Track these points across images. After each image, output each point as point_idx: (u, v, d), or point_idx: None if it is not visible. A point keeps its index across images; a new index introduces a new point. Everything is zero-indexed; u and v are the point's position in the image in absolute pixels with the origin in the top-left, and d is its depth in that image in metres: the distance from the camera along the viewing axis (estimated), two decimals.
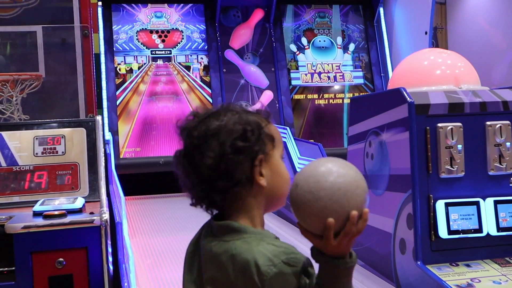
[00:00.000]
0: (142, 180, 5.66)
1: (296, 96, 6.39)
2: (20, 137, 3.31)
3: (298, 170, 4.80)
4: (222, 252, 1.31)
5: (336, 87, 6.51)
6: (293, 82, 6.41)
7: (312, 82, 6.46)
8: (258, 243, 1.30)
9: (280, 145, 1.42)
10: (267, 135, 1.39)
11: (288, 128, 5.57)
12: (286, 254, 1.28)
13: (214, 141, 1.34)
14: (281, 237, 1.41)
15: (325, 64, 6.55)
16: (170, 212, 4.71)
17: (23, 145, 3.28)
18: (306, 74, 6.48)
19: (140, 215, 4.70)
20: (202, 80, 6.21)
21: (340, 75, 6.55)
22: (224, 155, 1.32)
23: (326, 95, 6.45)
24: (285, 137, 5.37)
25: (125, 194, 4.30)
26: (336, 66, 6.57)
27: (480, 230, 2.60)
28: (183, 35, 6.32)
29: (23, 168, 3.21)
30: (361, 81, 6.58)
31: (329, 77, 6.51)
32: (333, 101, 6.46)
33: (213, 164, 1.32)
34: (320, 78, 6.49)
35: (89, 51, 5.00)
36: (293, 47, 6.55)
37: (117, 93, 5.92)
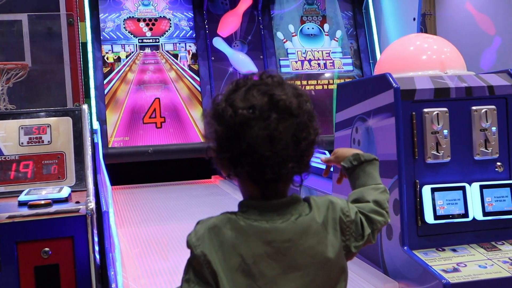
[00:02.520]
0: (130, 169, 5.65)
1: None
2: (5, 126, 3.27)
3: None
4: (307, 218, 1.37)
5: (326, 74, 6.50)
6: (283, 70, 6.39)
7: (302, 69, 6.44)
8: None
9: None
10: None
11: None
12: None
13: (313, 119, 1.40)
14: None
15: (315, 52, 6.53)
16: (159, 202, 4.70)
17: (8, 134, 3.25)
18: (296, 62, 6.46)
19: (129, 204, 4.69)
20: (191, 69, 6.18)
21: (330, 62, 6.53)
22: (317, 133, 1.40)
23: (315, 82, 6.44)
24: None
25: (114, 183, 4.31)
26: (326, 53, 6.55)
27: (466, 215, 2.61)
28: (170, 23, 6.29)
29: (8, 158, 3.19)
30: (350, 68, 6.57)
31: (319, 64, 6.50)
32: (322, 87, 6.45)
33: (314, 141, 1.39)
34: (310, 65, 6.47)
35: (74, 40, 4.95)
36: (280, 35, 6.52)
37: (105, 82, 5.89)
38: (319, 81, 6.46)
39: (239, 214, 1.37)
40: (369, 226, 1.50)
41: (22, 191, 2.92)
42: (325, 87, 6.46)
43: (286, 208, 1.37)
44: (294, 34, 6.55)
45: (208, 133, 1.38)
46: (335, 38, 6.62)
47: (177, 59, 6.18)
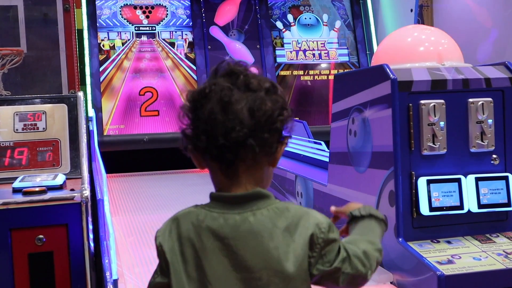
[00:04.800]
0: (126, 157, 5.63)
1: (282, 73, 6.35)
2: (0, 113, 3.26)
3: None
4: (267, 218, 1.32)
5: (322, 64, 6.48)
6: (278, 60, 6.38)
7: (297, 59, 6.42)
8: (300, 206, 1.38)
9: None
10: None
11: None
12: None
13: (280, 98, 1.38)
14: None
15: (310, 42, 6.51)
16: (154, 190, 4.69)
17: (3, 121, 3.24)
18: (291, 52, 6.44)
19: (124, 192, 4.69)
20: (187, 57, 6.15)
21: (325, 53, 6.51)
22: (283, 115, 1.36)
23: (311, 72, 6.43)
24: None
25: (109, 171, 4.29)
26: (321, 43, 6.53)
27: (461, 207, 2.61)
28: (167, 11, 6.25)
29: (3, 144, 3.17)
30: (346, 58, 6.56)
31: (314, 55, 6.48)
32: (318, 77, 6.44)
33: (274, 118, 1.34)
34: (305, 55, 6.45)
35: (70, 26, 4.92)
36: (279, 24, 6.50)
37: (101, 69, 5.86)
38: (313, 71, 6.44)
39: (202, 206, 1.37)
40: (343, 263, 1.35)
41: (17, 177, 2.91)
42: (320, 77, 6.45)
43: (246, 203, 1.34)
44: (292, 24, 6.53)
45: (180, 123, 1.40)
46: (335, 29, 6.60)
47: (173, 48, 6.15)
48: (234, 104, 1.31)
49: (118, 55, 5.99)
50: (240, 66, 1.40)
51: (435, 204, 2.58)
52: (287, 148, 4.99)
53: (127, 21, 6.13)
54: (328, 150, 3.40)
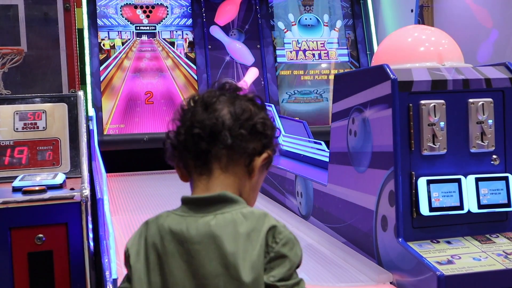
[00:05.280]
0: (126, 157, 5.63)
1: (282, 73, 6.35)
2: (0, 112, 3.26)
3: (281, 147, 4.80)
4: (229, 222, 1.29)
5: (321, 64, 6.48)
6: (278, 60, 6.37)
7: (297, 59, 6.42)
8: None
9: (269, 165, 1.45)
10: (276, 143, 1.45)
11: (273, 105, 5.55)
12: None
13: (265, 110, 1.43)
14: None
15: (310, 42, 6.51)
16: (153, 189, 4.69)
17: (3, 120, 3.24)
18: (291, 52, 6.44)
19: (124, 192, 4.68)
20: (187, 57, 6.15)
21: (324, 53, 6.51)
22: (265, 116, 1.40)
23: (311, 72, 6.42)
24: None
25: (109, 170, 4.29)
26: (321, 43, 6.53)
27: (461, 207, 2.60)
28: (168, 11, 6.25)
29: (3, 143, 3.17)
30: (346, 58, 6.56)
31: (314, 55, 6.48)
32: (319, 77, 6.44)
33: (254, 122, 1.37)
34: (305, 55, 6.45)
35: (70, 25, 4.92)
36: (281, 25, 6.50)
37: (101, 68, 5.87)
38: (313, 71, 6.44)
39: (172, 211, 1.37)
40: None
41: (17, 177, 2.92)
42: (320, 77, 6.45)
43: (211, 206, 1.32)
44: (293, 23, 6.53)
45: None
46: (336, 29, 6.60)
47: (173, 47, 6.15)
48: (216, 104, 1.36)
49: (118, 54, 5.99)
50: (233, 84, 1.44)
51: (435, 204, 2.58)
52: (287, 148, 5.01)
53: (128, 21, 6.13)
54: (328, 150, 3.39)
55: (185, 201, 1.36)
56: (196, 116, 1.35)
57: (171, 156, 1.42)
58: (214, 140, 1.33)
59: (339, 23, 6.63)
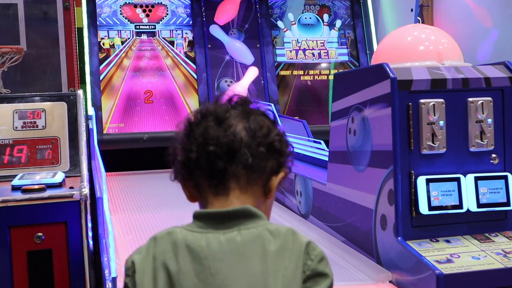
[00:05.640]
0: (125, 156, 5.63)
1: (282, 72, 6.35)
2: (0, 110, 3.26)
3: None
4: (256, 238, 1.23)
5: (321, 64, 6.48)
6: (278, 59, 6.37)
7: (297, 59, 6.42)
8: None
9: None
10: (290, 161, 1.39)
11: (273, 104, 5.55)
12: None
13: (277, 125, 1.36)
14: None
15: (310, 41, 6.51)
16: (153, 189, 4.69)
17: (2, 119, 3.24)
18: (291, 51, 6.44)
19: (123, 191, 4.68)
20: (187, 56, 6.15)
21: (324, 52, 6.51)
22: (280, 133, 1.34)
23: (311, 72, 6.42)
24: (270, 114, 5.34)
25: (108, 170, 4.28)
26: (321, 43, 6.53)
27: (460, 206, 2.61)
28: (167, 10, 6.25)
29: (2, 142, 3.17)
30: (346, 58, 6.56)
31: (313, 54, 6.47)
32: (318, 77, 6.44)
33: (271, 139, 1.31)
34: (305, 55, 6.45)
35: (70, 24, 4.92)
36: (280, 24, 6.49)
37: (101, 68, 5.86)
38: (313, 71, 6.44)
39: (184, 227, 1.29)
40: None
41: (16, 175, 2.92)
42: (320, 77, 6.45)
43: (233, 221, 1.24)
44: (293, 22, 6.52)
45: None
46: (335, 28, 6.60)
47: (173, 46, 6.15)
48: (230, 119, 1.28)
49: (118, 53, 5.99)
50: (242, 96, 1.37)
51: (434, 203, 2.58)
52: None
53: (127, 20, 6.13)
54: (328, 149, 3.40)
55: (201, 216, 1.28)
56: (210, 132, 1.26)
57: (178, 174, 1.34)
58: (232, 158, 1.25)
59: (338, 23, 6.63)
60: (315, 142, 4.35)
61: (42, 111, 3.30)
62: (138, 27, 6.14)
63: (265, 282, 1.19)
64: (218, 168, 1.25)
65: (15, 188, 2.75)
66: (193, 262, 1.21)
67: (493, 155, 2.71)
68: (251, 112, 1.32)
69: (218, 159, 1.25)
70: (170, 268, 1.23)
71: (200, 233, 1.24)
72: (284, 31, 6.47)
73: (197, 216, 1.29)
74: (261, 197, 1.31)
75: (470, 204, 2.62)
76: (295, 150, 4.47)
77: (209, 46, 6.20)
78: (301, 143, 4.54)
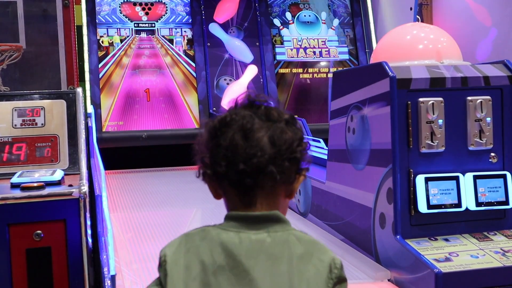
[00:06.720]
0: (124, 154, 5.63)
1: (281, 70, 6.35)
2: None
3: None
4: (284, 242, 1.33)
5: (321, 62, 6.48)
6: (278, 57, 6.37)
7: (297, 57, 6.42)
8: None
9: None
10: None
11: (272, 103, 5.54)
12: None
13: (299, 130, 1.42)
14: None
15: (311, 39, 6.51)
16: (152, 187, 4.69)
17: (1, 116, 3.23)
18: (291, 49, 6.44)
19: (122, 189, 4.68)
20: (186, 54, 6.15)
21: (325, 51, 6.51)
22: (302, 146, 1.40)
23: (311, 70, 6.42)
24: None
25: (108, 168, 4.29)
26: (322, 41, 6.53)
27: (459, 204, 2.61)
28: (167, 8, 6.25)
29: (1, 140, 3.17)
30: (346, 56, 6.56)
31: (314, 52, 6.47)
32: (318, 75, 6.44)
33: (294, 148, 1.38)
34: (306, 53, 6.45)
35: (69, 22, 4.91)
36: (277, 22, 6.49)
37: (100, 66, 5.86)
38: (313, 69, 6.44)
39: (216, 225, 1.38)
40: None
41: (15, 173, 2.91)
42: (319, 75, 6.45)
43: (262, 224, 1.35)
44: (291, 21, 6.52)
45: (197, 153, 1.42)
46: (332, 27, 6.60)
47: (172, 44, 6.15)
48: (255, 132, 1.34)
49: (117, 51, 5.99)
50: (260, 98, 1.43)
51: (433, 201, 2.58)
52: None
53: (127, 18, 6.12)
54: (327, 148, 3.40)
55: (234, 218, 1.37)
56: (238, 149, 1.33)
57: (205, 177, 1.42)
58: (259, 175, 1.33)
59: (335, 22, 6.63)
60: (314, 140, 4.35)
61: (41, 109, 3.30)
62: (137, 25, 6.13)
63: (291, 282, 1.29)
64: (247, 184, 1.34)
65: (14, 186, 2.74)
66: (227, 257, 1.30)
67: (492, 154, 2.71)
68: (273, 119, 1.38)
69: (247, 177, 1.33)
70: (206, 261, 1.31)
71: (234, 232, 1.33)
72: (280, 29, 6.47)
73: (229, 217, 1.38)
74: (283, 198, 1.41)
75: (469, 202, 2.63)
76: None
77: (209, 44, 6.20)
78: None
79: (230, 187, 1.37)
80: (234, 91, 6.07)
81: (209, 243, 1.33)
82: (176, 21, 6.24)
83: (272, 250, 1.31)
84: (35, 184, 2.70)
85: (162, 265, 1.37)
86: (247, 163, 1.31)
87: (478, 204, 2.63)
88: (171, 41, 6.15)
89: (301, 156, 1.39)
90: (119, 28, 6.07)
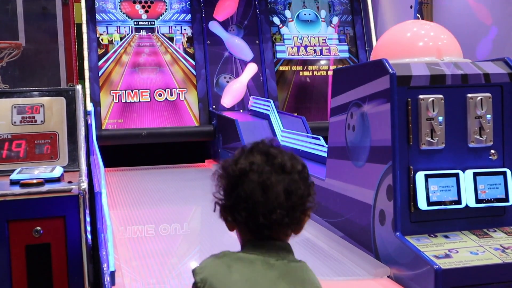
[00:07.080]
0: (124, 151, 5.63)
1: (281, 68, 6.35)
2: None
3: (281, 143, 4.79)
4: (296, 268, 1.48)
5: (321, 61, 6.48)
6: (279, 55, 6.37)
7: (298, 55, 6.42)
8: None
9: None
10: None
11: (271, 101, 5.54)
12: None
13: (309, 177, 1.57)
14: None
15: (311, 38, 6.50)
16: (151, 184, 4.69)
17: (1, 113, 3.23)
18: (292, 47, 6.44)
19: (122, 186, 4.68)
20: (186, 52, 6.15)
21: (326, 49, 6.51)
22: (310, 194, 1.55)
23: (310, 68, 6.42)
24: (269, 110, 5.35)
25: (107, 165, 4.29)
26: (322, 39, 6.53)
27: (459, 201, 2.61)
28: (166, 6, 6.24)
29: (1, 136, 3.16)
30: (346, 54, 6.56)
31: (315, 51, 6.47)
32: (317, 73, 6.43)
33: (305, 199, 1.53)
34: (306, 51, 6.45)
35: (69, 20, 4.91)
36: (276, 20, 6.49)
37: (100, 63, 5.86)
38: (312, 67, 6.44)
39: (237, 251, 1.50)
40: None
41: (14, 170, 2.91)
42: (319, 73, 6.45)
43: (280, 250, 1.48)
44: (290, 19, 6.52)
45: (215, 190, 1.54)
46: (332, 25, 6.60)
47: (172, 42, 6.14)
48: (273, 187, 1.45)
49: (117, 49, 5.98)
50: (275, 148, 1.54)
51: (433, 198, 2.58)
52: (286, 144, 4.99)
53: (126, 16, 6.12)
54: (327, 145, 3.40)
55: (251, 245, 1.49)
56: (258, 205, 1.44)
57: (221, 216, 1.53)
58: (275, 225, 1.45)
59: (335, 20, 6.62)
60: (314, 138, 4.35)
61: (41, 106, 3.29)
62: (137, 23, 6.13)
63: None
64: (263, 234, 1.47)
65: (13, 183, 2.73)
66: (263, 269, 1.45)
67: (492, 151, 2.71)
68: (287, 171, 1.49)
69: (266, 228, 1.46)
70: (240, 277, 1.44)
71: (256, 253, 1.47)
72: (280, 27, 6.47)
73: (246, 242, 1.51)
74: (290, 234, 1.53)
75: (468, 199, 2.62)
76: (295, 146, 4.47)
77: (208, 42, 6.20)
78: (300, 139, 4.54)
79: (245, 228, 1.49)
80: (234, 89, 6.08)
81: (239, 261, 1.46)
82: (176, 19, 6.23)
83: (289, 272, 1.45)
84: (35, 181, 2.70)
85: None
86: (266, 217, 1.43)
87: (478, 201, 2.63)
88: (171, 39, 6.15)
89: (311, 205, 1.54)
90: (119, 26, 6.07)
